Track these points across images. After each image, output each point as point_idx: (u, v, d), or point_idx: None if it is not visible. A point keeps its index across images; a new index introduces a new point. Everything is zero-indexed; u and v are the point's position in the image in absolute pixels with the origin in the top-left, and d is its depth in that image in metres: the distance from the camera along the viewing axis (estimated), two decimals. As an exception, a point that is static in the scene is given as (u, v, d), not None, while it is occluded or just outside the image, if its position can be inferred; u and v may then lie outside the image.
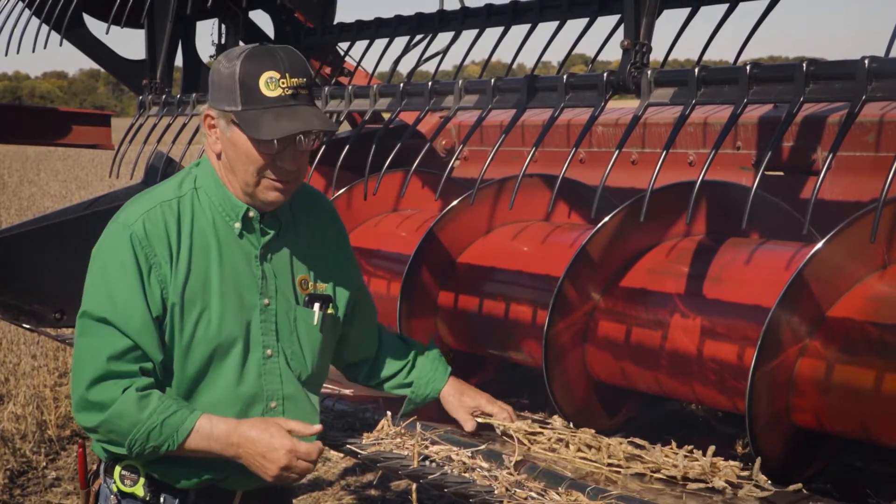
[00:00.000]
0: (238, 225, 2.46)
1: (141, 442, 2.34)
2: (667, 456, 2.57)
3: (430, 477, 2.50)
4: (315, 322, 2.55)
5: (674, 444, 2.63)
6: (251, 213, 2.47)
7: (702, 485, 2.44)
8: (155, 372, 2.39)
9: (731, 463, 2.51)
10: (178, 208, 2.43)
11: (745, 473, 2.48)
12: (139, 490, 2.47)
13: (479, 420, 2.82)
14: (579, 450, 2.63)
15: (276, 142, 2.35)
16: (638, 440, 2.65)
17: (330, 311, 2.59)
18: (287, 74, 2.35)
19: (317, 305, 2.55)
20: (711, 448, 2.56)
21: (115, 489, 2.50)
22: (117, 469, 2.49)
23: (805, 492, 2.44)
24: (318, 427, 2.46)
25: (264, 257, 2.50)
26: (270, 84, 2.34)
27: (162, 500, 2.49)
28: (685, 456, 2.54)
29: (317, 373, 2.60)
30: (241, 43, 4.87)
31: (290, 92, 2.35)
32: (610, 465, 2.56)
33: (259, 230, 2.48)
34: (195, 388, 2.43)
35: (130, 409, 2.32)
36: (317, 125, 2.37)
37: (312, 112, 2.38)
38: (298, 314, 2.54)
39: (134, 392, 2.33)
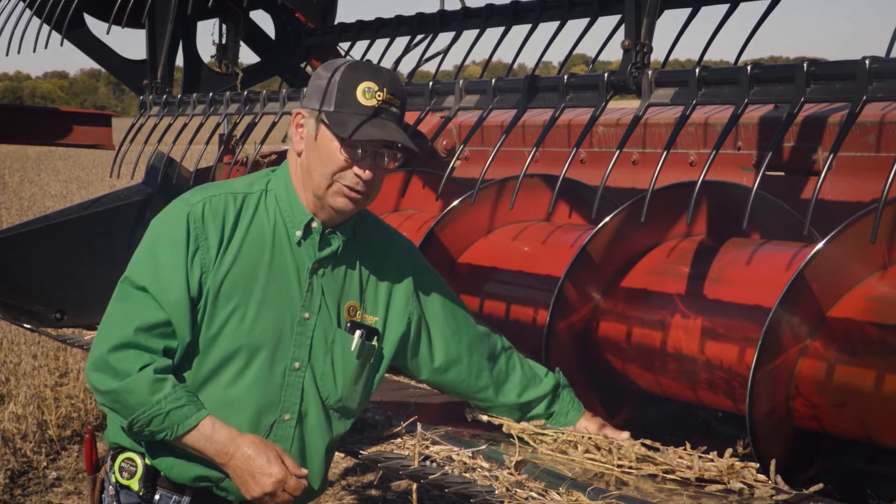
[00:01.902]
0: (299, 233, 2.48)
1: (142, 423, 2.36)
2: (680, 457, 2.56)
3: (430, 477, 2.49)
4: (352, 348, 2.54)
5: (688, 445, 2.62)
6: (314, 224, 2.49)
7: (720, 486, 2.43)
8: (175, 354, 2.41)
9: (750, 464, 2.51)
10: (241, 203, 2.47)
11: (762, 477, 2.48)
12: (134, 484, 2.48)
13: (484, 419, 2.82)
14: (587, 451, 2.63)
15: (358, 149, 2.40)
16: (649, 441, 2.65)
17: (374, 343, 2.57)
18: (385, 89, 2.41)
19: (357, 332, 2.54)
20: (729, 450, 2.56)
21: (113, 480, 2.52)
22: (119, 459, 2.51)
23: (805, 492, 2.43)
24: (305, 471, 2.46)
25: (315, 271, 2.51)
26: (367, 93, 2.40)
27: (157, 497, 2.49)
28: (700, 457, 2.54)
29: (348, 400, 2.57)
30: (241, 43, 4.88)
31: (384, 105, 2.41)
32: (620, 466, 2.55)
33: (317, 243, 2.50)
34: (211, 380, 2.44)
35: (143, 389, 2.34)
36: (401, 139, 2.42)
37: (398, 129, 2.43)
38: (337, 337, 2.53)
39: (151, 372, 2.35)
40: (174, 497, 2.49)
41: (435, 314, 2.70)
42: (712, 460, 2.53)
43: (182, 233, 2.41)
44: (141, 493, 2.48)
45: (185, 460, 2.45)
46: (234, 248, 2.43)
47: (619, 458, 2.57)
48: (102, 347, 2.39)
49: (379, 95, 2.40)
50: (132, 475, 2.48)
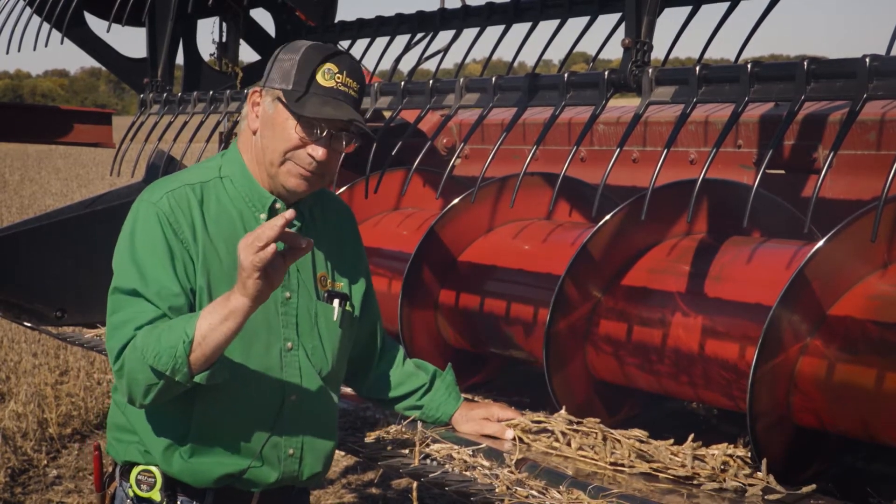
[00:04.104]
0: (264, 216, 2.45)
1: (155, 351, 2.23)
2: (674, 455, 2.56)
3: (431, 475, 2.50)
4: (335, 318, 2.56)
5: (689, 440, 2.61)
6: (278, 205, 2.47)
7: (714, 485, 2.43)
8: None
9: (742, 461, 2.50)
10: (201, 193, 2.43)
11: (760, 475, 2.48)
12: (156, 495, 2.46)
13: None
14: (580, 448, 2.62)
15: (315, 129, 2.38)
16: (640, 433, 2.64)
17: (348, 308, 2.61)
18: (345, 72, 2.40)
19: (336, 301, 2.57)
20: (721, 446, 2.55)
21: (131, 493, 2.49)
22: (133, 473, 2.48)
23: (797, 491, 2.43)
24: (289, 215, 2.17)
25: (288, 251, 2.49)
26: (326, 74, 2.39)
27: (179, 503, 2.48)
28: (694, 455, 2.54)
29: (336, 370, 2.60)
30: (241, 41, 4.88)
31: (342, 88, 2.40)
32: (614, 464, 2.55)
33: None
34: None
35: (137, 342, 2.27)
36: (356, 118, 2.40)
37: (353, 111, 2.42)
38: (319, 309, 2.55)
39: (140, 332, 2.29)
40: (195, 502, 2.49)
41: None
42: (705, 459, 2.53)
43: (158, 232, 2.37)
44: (164, 503, 2.47)
45: (203, 465, 2.43)
46: (209, 240, 2.40)
47: (612, 455, 2.56)
48: (111, 362, 2.34)
49: (338, 77, 2.39)
50: (151, 486, 2.46)
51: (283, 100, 2.38)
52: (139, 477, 2.47)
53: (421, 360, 2.90)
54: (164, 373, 2.25)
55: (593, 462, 2.56)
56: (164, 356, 2.23)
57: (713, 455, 2.53)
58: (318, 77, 2.38)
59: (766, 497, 2.38)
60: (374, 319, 2.80)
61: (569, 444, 2.63)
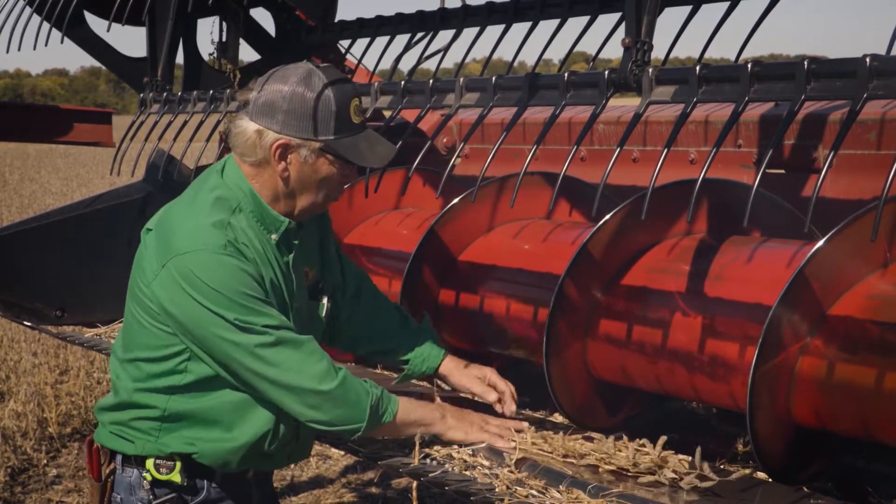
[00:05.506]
0: (275, 237, 2.51)
1: (375, 409, 2.49)
2: (619, 450, 2.61)
3: (430, 475, 2.50)
4: (323, 314, 2.68)
5: (625, 438, 2.71)
6: (291, 225, 2.53)
7: (651, 477, 2.47)
8: None
9: (681, 457, 2.56)
10: (234, 231, 2.44)
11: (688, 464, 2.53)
12: (176, 476, 2.53)
13: (450, 395, 2.88)
14: (534, 442, 2.68)
15: (355, 166, 2.49)
16: (595, 434, 2.71)
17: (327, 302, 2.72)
18: (360, 99, 2.46)
19: (325, 298, 2.68)
20: (662, 439, 2.61)
21: (149, 477, 2.55)
22: (150, 460, 2.54)
23: (806, 490, 2.43)
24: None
25: (294, 264, 2.57)
26: (356, 111, 2.44)
27: (195, 482, 2.56)
28: (636, 449, 2.60)
29: None
30: (241, 40, 4.87)
31: (363, 117, 2.47)
32: (565, 456, 2.62)
33: (290, 239, 2.56)
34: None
35: (350, 389, 2.47)
36: (393, 152, 2.51)
37: (380, 137, 2.51)
38: (310, 308, 2.64)
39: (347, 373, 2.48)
40: (205, 479, 2.57)
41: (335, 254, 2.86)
42: (648, 453, 2.57)
43: (243, 276, 2.39)
44: (185, 483, 2.53)
45: (242, 459, 2.53)
46: (260, 273, 2.45)
47: (564, 448, 2.65)
48: (329, 377, 2.45)
49: (361, 108, 2.45)
50: (171, 469, 2.52)
51: (332, 151, 2.42)
52: (158, 462, 2.54)
53: (405, 311, 2.98)
54: (360, 427, 2.49)
55: (545, 454, 2.63)
56: (375, 409, 2.50)
57: (654, 449, 2.61)
58: (352, 116, 2.42)
59: (696, 487, 2.43)
60: (358, 274, 2.90)
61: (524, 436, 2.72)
